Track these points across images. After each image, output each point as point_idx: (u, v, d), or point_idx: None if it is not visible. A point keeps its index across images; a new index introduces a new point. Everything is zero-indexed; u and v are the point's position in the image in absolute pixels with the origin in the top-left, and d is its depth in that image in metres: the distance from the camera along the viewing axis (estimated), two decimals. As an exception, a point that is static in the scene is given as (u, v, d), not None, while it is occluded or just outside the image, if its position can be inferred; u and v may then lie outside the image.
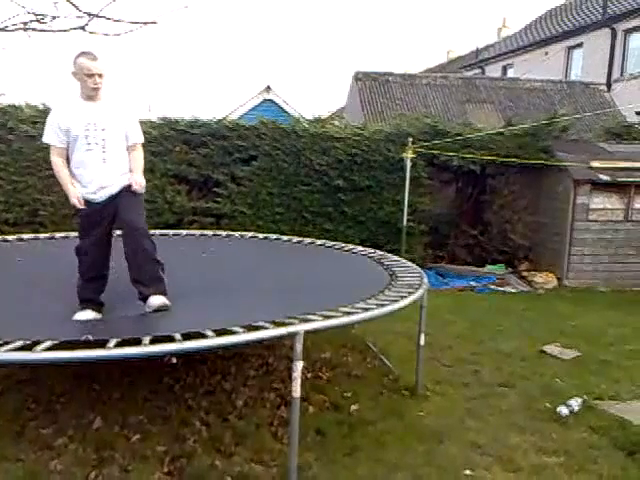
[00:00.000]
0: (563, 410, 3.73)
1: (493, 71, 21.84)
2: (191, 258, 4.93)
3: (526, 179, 9.20)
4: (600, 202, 8.50)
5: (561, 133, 9.35)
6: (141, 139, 3.62)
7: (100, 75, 3.42)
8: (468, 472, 2.98)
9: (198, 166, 8.56)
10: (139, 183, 3.47)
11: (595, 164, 8.52)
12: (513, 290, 8.33)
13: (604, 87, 15.18)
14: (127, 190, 3.48)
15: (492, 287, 8.36)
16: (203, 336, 2.55)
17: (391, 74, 14.44)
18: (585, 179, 8.40)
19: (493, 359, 4.87)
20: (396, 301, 3.43)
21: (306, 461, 2.88)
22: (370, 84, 13.93)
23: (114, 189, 3.49)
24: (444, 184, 9.55)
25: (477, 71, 22.64)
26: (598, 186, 8.46)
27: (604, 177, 8.36)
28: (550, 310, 7.05)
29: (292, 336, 2.70)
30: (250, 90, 21.32)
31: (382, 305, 3.31)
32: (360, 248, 5.53)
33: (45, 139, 3.51)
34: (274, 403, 3.54)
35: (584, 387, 4.19)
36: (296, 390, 2.70)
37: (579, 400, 3.85)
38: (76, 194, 3.42)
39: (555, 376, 4.47)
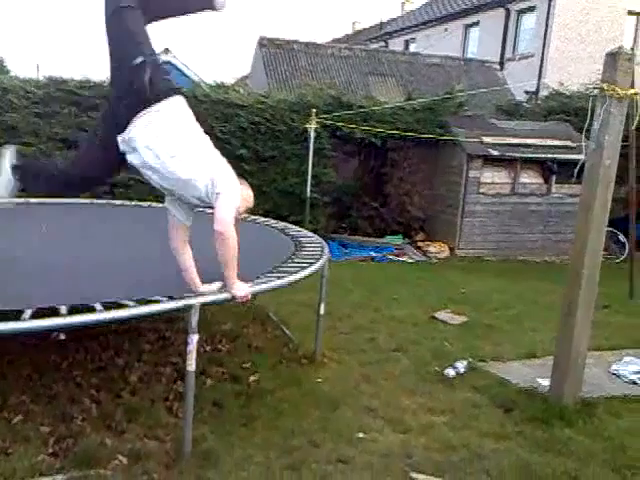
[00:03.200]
0: (450, 372, 3.97)
1: (396, 45, 22.27)
2: (77, 229, 4.64)
3: (424, 153, 9.54)
4: (490, 176, 9.01)
5: (457, 109, 9.75)
6: None
7: None
8: (361, 435, 3.09)
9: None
10: None
11: (487, 140, 8.99)
12: (410, 260, 8.69)
13: (497, 65, 15.98)
14: None
15: (390, 257, 8.67)
16: (93, 310, 2.42)
17: (296, 42, 14.28)
18: (477, 154, 8.86)
19: (388, 326, 5.07)
20: (297, 272, 3.44)
21: (201, 434, 2.85)
22: (275, 51, 13.70)
23: None
24: (347, 156, 9.69)
25: (381, 44, 22.97)
26: (489, 161, 8.95)
27: (494, 152, 8.86)
28: (442, 278, 7.44)
29: (187, 309, 2.64)
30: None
31: (283, 276, 3.31)
32: (262, 219, 5.48)
33: None
34: (170, 377, 3.46)
35: (470, 350, 4.48)
36: (191, 364, 2.65)
37: (464, 362, 4.11)
38: None
39: (444, 340, 4.73)
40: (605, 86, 3.27)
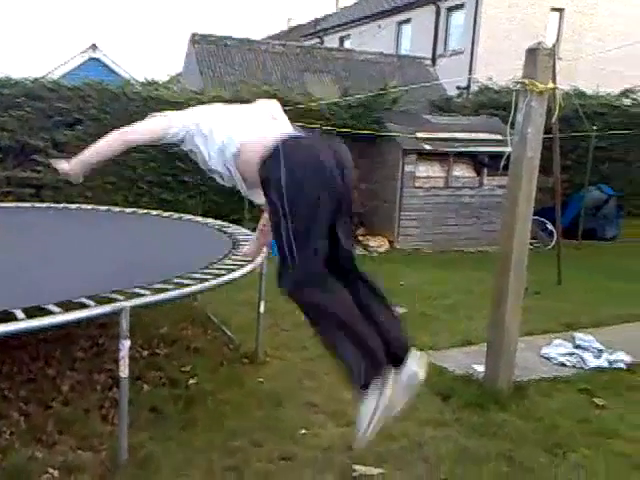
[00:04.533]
0: (390, 364, 4.03)
1: (331, 41, 22.41)
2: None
3: (361, 149, 9.60)
4: (424, 170, 9.22)
5: (392, 105, 9.91)
6: None
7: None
8: (303, 431, 3.09)
9: (12, 131, 7.64)
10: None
11: (420, 135, 9.19)
12: (350, 254, 8.77)
13: (430, 62, 16.36)
14: None
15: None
16: (9, 318, 2.29)
17: (230, 38, 14.09)
18: (412, 149, 9.03)
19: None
20: (234, 270, 3.40)
21: (139, 441, 2.77)
22: (208, 48, 13.47)
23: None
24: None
25: (316, 41, 23.05)
26: (423, 155, 9.15)
27: (428, 147, 9.06)
28: (383, 271, 7.52)
29: (117, 313, 2.55)
30: (74, 48, 19.45)
31: (219, 275, 3.26)
32: (199, 218, 5.38)
33: None
34: (105, 385, 3.34)
35: (410, 340, 4.56)
36: (124, 370, 2.56)
37: (404, 353, 4.19)
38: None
39: (385, 333, 4.80)
40: (526, 81, 3.40)
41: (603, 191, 10.38)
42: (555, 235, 8.37)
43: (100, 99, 7.95)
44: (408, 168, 9.09)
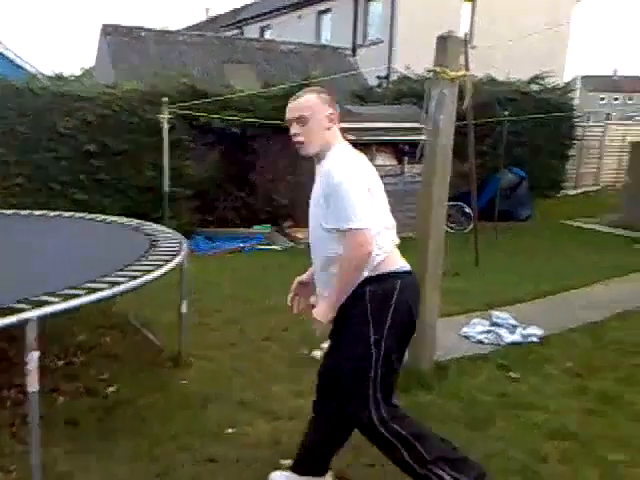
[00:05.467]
0: (317, 354, 4.05)
1: (252, 32, 22.13)
2: None
3: (285, 140, 9.52)
4: (349, 160, 9.29)
5: (313, 95, 9.89)
6: (347, 223, 2.14)
7: (299, 120, 2.28)
8: (231, 430, 3.05)
9: None
10: (316, 317, 2.31)
11: (343, 125, 9.22)
12: (279, 247, 8.74)
13: (350, 52, 16.49)
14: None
15: (260, 247, 8.65)
16: None
17: (144, 29, 13.60)
18: (335, 139, 9.07)
19: (259, 316, 5.06)
20: (151, 271, 3.29)
21: (53, 457, 2.63)
22: (121, 39, 12.94)
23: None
24: (209, 146, 9.44)
25: (237, 31, 22.69)
26: (347, 145, 9.21)
27: (351, 137, 9.12)
28: (310, 263, 7.57)
29: (22, 325, 2.40)
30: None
31: (135, 277, 3.14)
32: (114, 218, 5.17)
33: None
34: (16, 401, 3.15)
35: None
36: (33, 384, 2.42)
37: (330, 342, 4.22)
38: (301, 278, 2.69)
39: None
40: (437, 69, 3.47)
41: (516, 174, 10.87)
42: (472, 218, 8.67)
43: (3, 95, 7.47)
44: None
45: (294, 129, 2.30)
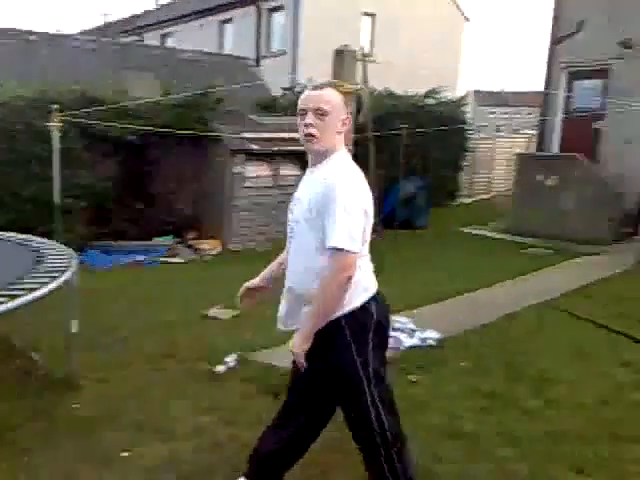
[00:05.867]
0: (220, 368, 3.97)
1: (152, 39, 21.50)
2: None
3: (188, 149, 9.39)
4: (253, 170, 9.28)
5: (216, 104, 9.79)
6: (340, 243, 2.00)
7: (317, 112, 2.08)
8: (126, 454, 2.90)
9: None
10: (293, 346, 2.15)
11: (247, 135, 9.21)
12: (182, 260, 8.52)
13: (253, 62, 16.48)
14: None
15: (161, 259, 8.37)
16: None
17: (33, 32, 12.80)
18: (239, 149, 9.03)
19: (158, 332, 4.87)
20: (35, 289, 3.07)
21: None
22: (6, 43, 12.07)
23: (293, 322, 2.28)
24: (104, 156, 9.04)
25: (135, 38, 21.95)
26: (251, 155, 9.19)
27: (255, 147, 9.12)
28: (216, 275, 7.44)
29: None
30: None
31: (16, 296, 2.91)
32: (-3, 232, 4.79)
33: None
34: None
35: (240, 342, 4.54)
36: None
37: (234, 355, 4.15)
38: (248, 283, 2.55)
39: (215, 337, 4.72)
40: (335, 81, 3.53)
41: (415, 184, 11.35)
42: (380, 228, 8.92)
43: None
44: (236, 169, 9.08)
45: (309, 119, 2.08)
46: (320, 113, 2.08)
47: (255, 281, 2.54)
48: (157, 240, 9.05)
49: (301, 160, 9.73)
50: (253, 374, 3.88)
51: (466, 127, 13.70)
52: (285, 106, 11.68)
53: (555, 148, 11.15)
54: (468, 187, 15.94)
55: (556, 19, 11.11)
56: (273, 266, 2.55)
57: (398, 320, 4.89)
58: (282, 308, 2.33)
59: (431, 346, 4.53)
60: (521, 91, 42.60)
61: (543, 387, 3.79)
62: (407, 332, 4.66)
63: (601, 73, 10.65)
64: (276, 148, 9.37)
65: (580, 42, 10.62)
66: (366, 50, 16.06)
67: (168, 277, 7.29)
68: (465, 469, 2.82)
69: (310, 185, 2.15)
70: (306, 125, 2.08)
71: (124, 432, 3.12)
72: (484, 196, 16.59)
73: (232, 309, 5.54)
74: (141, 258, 8.28)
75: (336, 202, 2.00)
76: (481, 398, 3.62)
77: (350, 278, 2.03)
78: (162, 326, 5.04)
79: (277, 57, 17.38)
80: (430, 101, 12.65)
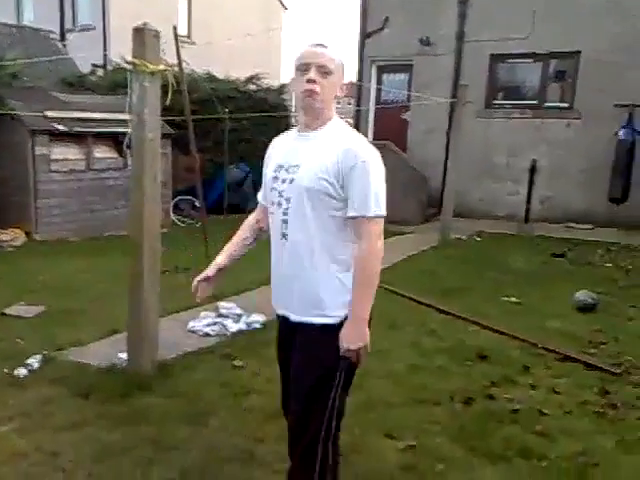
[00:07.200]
0: (21, 371, 3.56)
1: None
2: None
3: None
4: (61, 152, 8.42)
5: (11, 80, 8.69)
6: (381, 209, 1.88)
7: (321, 69, 1.89)
8: None
9: None
10: (347, 347, 1.90)
11: (50, 114, 8.32)
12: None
13: (57, 36, 14.95)
14: (313, 338, 1.97)
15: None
16: None
17: None
18: (42, 129, 8.12)
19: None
20: None
21: None
22: None
23: (294, 311, 2.03)
24: None
25: None
26: (57, 136, 8.32)
27: (61, 127, 8.29)
28: (18, 268, 6.64)
29: None
30: None
31: None
32: None
33: None
34: None
35: (47, 341, 4.11)
36: None
37: (39, 357, 3.75)
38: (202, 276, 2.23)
39: (17, 337, 4.21)
40: (136, 61, 3.32)
41: (242, 169, 11.32)
42: (202, 212, 8.71)
43: None
44: (40, 151, 8.15)
45: (313, 74, 1.89)
46: (324, 71, 1.91)
47: (209, 271, 2.25)
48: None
49: (118, 143, 9.10)
50: (63, 375, 3.53)
51: (289, 114, 13.98)
52: (96, 84, 10.80)
53: (370, 136, 11.91)
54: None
55: (364, 14, 11.80)
56: (232, 247, 2.30)
57: (224, 306, 4.84)
58: (288, 295, 2.04)
59: (257, 329, 4.55)
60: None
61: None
62: (233, 317, 4.63)
63: (405, 68, 11.62)
64: (87, 129, 8.61)
65: (386, 38, 11.44)
66: (183, 31, 15.49)
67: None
68: (286, 447, 2.85)
69: (315, 151, 1.93)
70: (309, 80, 1.90)
71: None
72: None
73: (37, 305, 4.99)
74: None
75: (368, 170, 1.86)
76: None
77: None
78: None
79: (85, 32, 15.99)
80: (252, 87, 12.66)
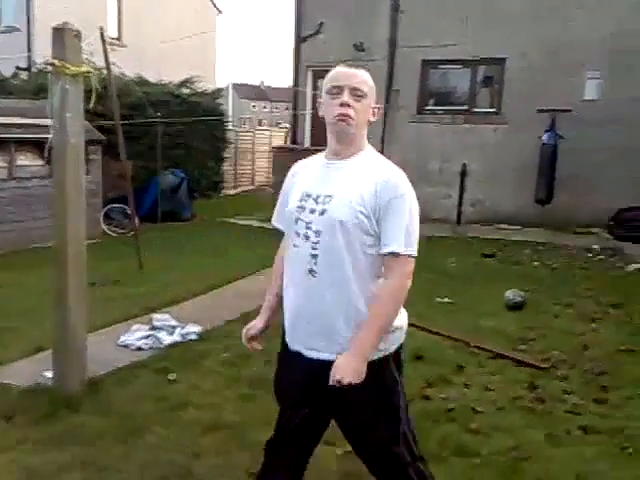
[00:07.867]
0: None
1: None
2: None
3: None
4: (-22, 160, 7.96)
5: None
6: (413, 249, 1.78)
7: (354, 92, 1.77)
8: None
9: None
10: (338, 378, 1.72)
11: (-33, 120, 7.85)
12: None
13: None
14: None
15: None
16: None
17: None
18: (-43, 135, 7.65)
19: None
20: None
21: None
22: None
23: (325, 349, 1.82)
24: None
25: None
26: (-26, 143, 7.86)
27: (-20, 134, 7.83)
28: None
29: None
30: None
31: None
32: None
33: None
34: None
35: None
36: None
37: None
38: (250, 327, 2.09)
39: None
40: (56, 62, 3.18)
41: (176, 175, 11.06)
42: (136, 221, 8.45)
43: None
44: (-46, 158, 7.67)
45: (347, 97, 1.77)
46: (358, 94, 1.80)
47: (259, 326, 2.12)
48: None
49: (42, 149, 8.67)
50: (-20, 397, 3.32)
51: (224, 119, 13.83)
52: (20, 88, 10.30)
53: (307, 142, 11.93)
54: (233, 179, 16.20)
55: (299, 18, 11.83)
56: (270, 300, 2.13)
57: (158, 318, 4.70)
58: (317, 333, 1.86)
59: (192, 340, 4.44)
60: (280, 87, 45.03)
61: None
62: (167, 329, 4.49)
63: (341, 73, 11.69)
64: (9, 135, 8.17)
65: (321, 43, 11.51)
66: (113, 34, 15.06)
67: None
68: (228, 460, 2.80)
69: (350, 180, 1.80)
70: (342, 104, 1.78)
71: None
72: (249, 187, 17.07)
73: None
74: None
75: (406, 204, 1.78)
76: (242, 387, 3.64)
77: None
78: None
79: (9, 33, 15.25)
80: (185, 91, 12.43)
